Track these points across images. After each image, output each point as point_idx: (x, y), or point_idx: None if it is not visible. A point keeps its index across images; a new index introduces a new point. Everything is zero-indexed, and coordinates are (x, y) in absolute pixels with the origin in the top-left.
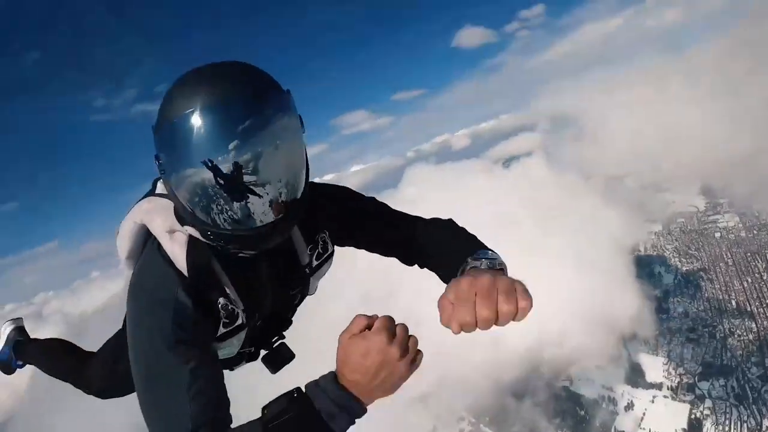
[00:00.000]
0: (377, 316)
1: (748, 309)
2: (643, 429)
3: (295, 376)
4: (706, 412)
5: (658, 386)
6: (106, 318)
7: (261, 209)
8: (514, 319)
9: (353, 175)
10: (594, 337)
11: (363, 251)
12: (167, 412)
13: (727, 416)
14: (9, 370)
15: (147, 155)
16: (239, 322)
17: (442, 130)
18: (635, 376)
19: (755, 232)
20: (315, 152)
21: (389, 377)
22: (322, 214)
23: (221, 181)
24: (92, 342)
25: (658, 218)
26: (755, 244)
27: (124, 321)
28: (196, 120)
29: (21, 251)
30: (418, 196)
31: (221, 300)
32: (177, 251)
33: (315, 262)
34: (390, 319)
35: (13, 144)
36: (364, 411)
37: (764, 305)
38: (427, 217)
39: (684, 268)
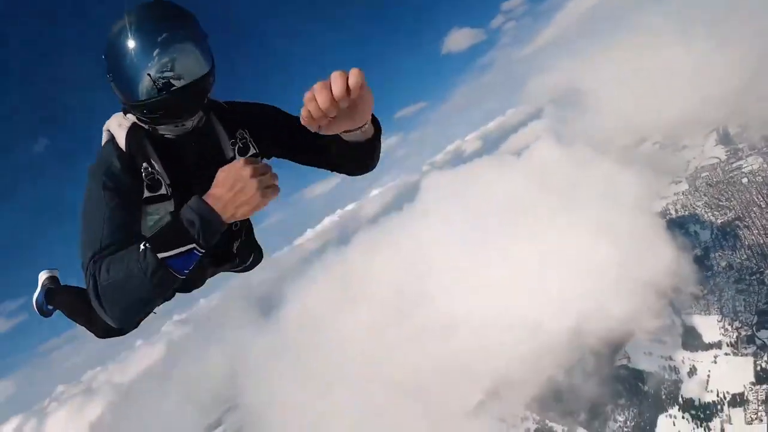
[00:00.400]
0: None
1: None
2: (711, 391)
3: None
4: None
5: (717, 345)
6: (149, 377)
7: (178, 88)
8: (349, 86)
9: (372, 200)
10: (641, 309)
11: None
12: (88, 234)
13: None
14: (44, 313)
15: None
16: (163, 191)
17: (452, 138)
18: (692, 340)
19: None
20: (331, 185)
21: (242, 192)
22: (239, 112)
23: (149, 74)
24: (140, 407)
25: (681, 177)
26: None
27: None
28: (126, 33)
29: (63, 332)
30: (436, 202)
31: (144, 164)
32: (120, 134)
33: (239, 158)
34: (256, 157)
35: (42, 228)
36: (221, 222)
37: None
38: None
39: (719, 221)
